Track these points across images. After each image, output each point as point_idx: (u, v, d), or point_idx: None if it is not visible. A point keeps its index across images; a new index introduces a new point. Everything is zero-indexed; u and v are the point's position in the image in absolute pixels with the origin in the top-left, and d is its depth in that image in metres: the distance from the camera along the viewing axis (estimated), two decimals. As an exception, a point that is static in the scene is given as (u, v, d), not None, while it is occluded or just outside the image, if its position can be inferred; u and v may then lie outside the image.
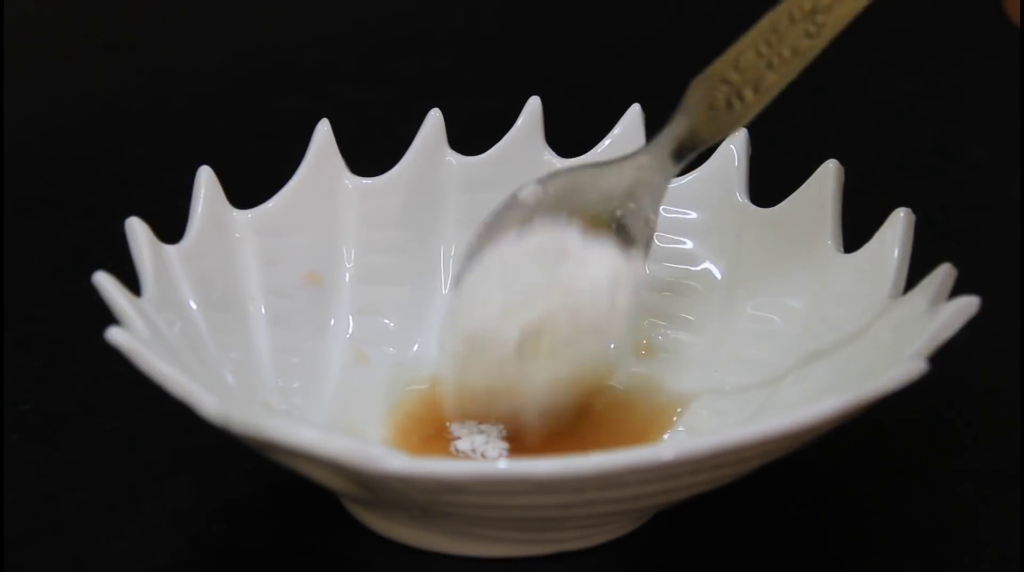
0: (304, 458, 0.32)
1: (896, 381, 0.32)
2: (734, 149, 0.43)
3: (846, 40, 0.37)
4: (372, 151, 0.44)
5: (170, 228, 0.39)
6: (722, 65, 0.38)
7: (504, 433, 0.39)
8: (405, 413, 0.41)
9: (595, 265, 0.38)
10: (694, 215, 0.44)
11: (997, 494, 0.39)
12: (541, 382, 0.38)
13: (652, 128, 0.44)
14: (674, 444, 0.31)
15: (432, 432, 0.40)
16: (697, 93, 0.38)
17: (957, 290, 0.35)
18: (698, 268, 0.44)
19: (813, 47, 0.37)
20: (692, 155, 0.39)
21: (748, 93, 0.37)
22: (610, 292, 0.38)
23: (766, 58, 0.37)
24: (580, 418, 0.40)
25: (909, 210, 0.39)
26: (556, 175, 0.40)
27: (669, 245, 0.44)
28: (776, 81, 0.37)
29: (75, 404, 0.42)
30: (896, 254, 0.38)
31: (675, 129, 0.39)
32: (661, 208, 0.40)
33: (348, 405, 0.41)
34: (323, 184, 0.43)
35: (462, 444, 0.39)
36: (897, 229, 0.39)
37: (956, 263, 0.36)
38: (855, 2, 0.36)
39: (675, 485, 0.33)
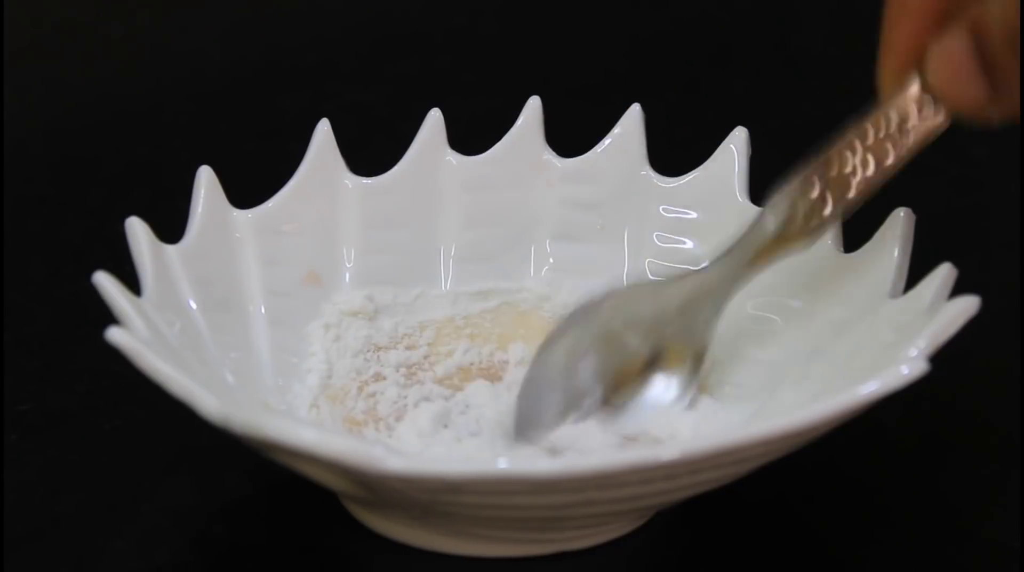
0: (304, 458, 0.32)
1: (896, 381, 0.32)
2: (734, 149, 0.43)
3: (846, 40, 0.37)
4: (372, 151, 0.44)
5: (170, 228, 0.39)
6: (815, 168, 0.37)
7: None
8: None
9: None
10: (694, 215, 0.44)
11: (997, 494, 0.39)
12: None
13: (652, 128, 0.44)
14: (674, 444, 0.31)
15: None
16: (788, 196, 0.37)
17: (957, 290, 0.35)
18: (698, 268, 0.44)
19: (893, 164, 0.36)
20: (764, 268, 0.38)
21: (829, 205, 0.37)
22: None
23: (852, 167, 0.36)
24: None
25: (909, 210, 0.39)
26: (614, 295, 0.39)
27: (669, 245, 0.44)
28: (855, 198, 0.36)
29: (75, 404, 0.42)
30: (896, 254, 0.38)
31: (758, 233, 0.37)
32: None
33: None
34: (323, 184, 0.43)
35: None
36: (897, 229, 0.39)
37: (956, 263, 0.36)
38: (935, 123, 0.36)
39: (675, 485, 0.33)
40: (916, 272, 0.37)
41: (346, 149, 0.43)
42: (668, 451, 0.31)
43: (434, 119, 0.44)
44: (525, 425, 0.38)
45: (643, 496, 0.33)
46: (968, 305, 0.34)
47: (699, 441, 0.31)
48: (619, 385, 0.39)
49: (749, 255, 0.38)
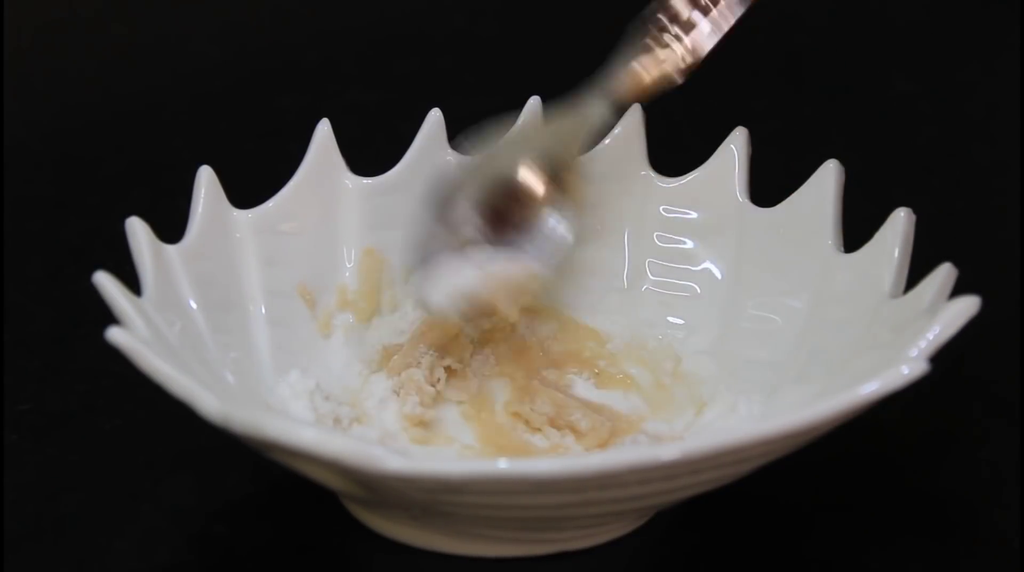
0: (304, 458, 0.32)
1: (896, 381, 0.32)
2: (734, 149, 0.43)
3: (846, 40, 0.37)
4: (372, 151, 0.44)
5: (170, 228, 0.39)
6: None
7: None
8: None
9: None
10: (694, 215, 0.44)
11: (997, 494, 0.39)
12: None
13: (652, 128, 0.44)
14: (675, 444, 0.31)
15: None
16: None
17: (957, 290, 0.35)
18: (698, 268, 0.44)
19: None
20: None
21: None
22: None
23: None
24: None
25: (909, 210, 0.39)
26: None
27: (669, 245, 0.44)
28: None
29: (75, 404, 0.42)
30: (896, 254, 0.38)
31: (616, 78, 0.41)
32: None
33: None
34: (323, 184, 0.43)
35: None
36: (897, 229, 0.39)
37: (956, 263, 0.36)
38: None
39: (675, 485, 0.33)
40: (916, 272, 0.37)
41: (346, 149, 0.43)
42: (668, 451, 0.31)
43: (434, 119, 0.44)
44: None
45: (643, 496, 0.33)
46: (968, 305, 0.34)
47: (699, 441, 0.31)
48: (505, 224, 0.41)
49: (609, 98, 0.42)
